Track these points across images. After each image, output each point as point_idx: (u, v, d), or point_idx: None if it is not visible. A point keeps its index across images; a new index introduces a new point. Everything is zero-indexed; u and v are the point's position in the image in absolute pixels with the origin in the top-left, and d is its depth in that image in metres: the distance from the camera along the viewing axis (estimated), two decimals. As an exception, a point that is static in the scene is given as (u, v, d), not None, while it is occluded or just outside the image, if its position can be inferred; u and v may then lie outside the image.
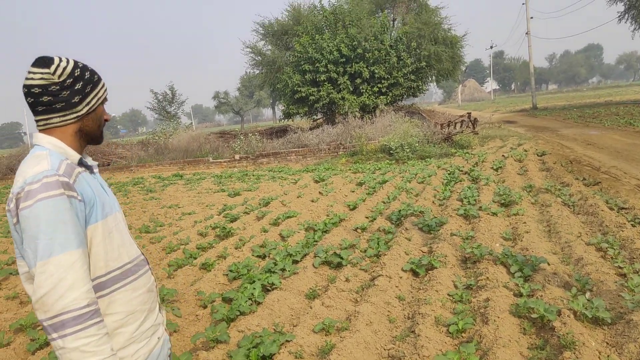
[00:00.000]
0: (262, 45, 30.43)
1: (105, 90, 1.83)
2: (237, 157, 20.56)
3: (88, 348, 1.53)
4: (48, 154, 1.66)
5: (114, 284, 1.72)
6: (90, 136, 1.80)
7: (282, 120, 30.99)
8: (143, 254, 1.92)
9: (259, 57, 29.99)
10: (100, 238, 1.68)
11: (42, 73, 1.68)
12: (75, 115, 1.72)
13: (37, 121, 1.74)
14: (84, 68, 1.76)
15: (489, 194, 9.32)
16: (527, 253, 5.78)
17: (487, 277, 5.17)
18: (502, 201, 8.59)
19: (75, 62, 1.74)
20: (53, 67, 1.68)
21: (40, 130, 1.75)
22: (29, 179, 1.57)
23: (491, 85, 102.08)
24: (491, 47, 78.59)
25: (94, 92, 1.76)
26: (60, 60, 1.71)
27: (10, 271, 6.87)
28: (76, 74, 1.71)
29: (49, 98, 1.68)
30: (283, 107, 29.29)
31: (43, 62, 1.69)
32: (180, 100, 43.39)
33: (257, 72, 31.33)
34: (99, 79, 1.81)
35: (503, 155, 14.38)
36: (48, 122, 1.72)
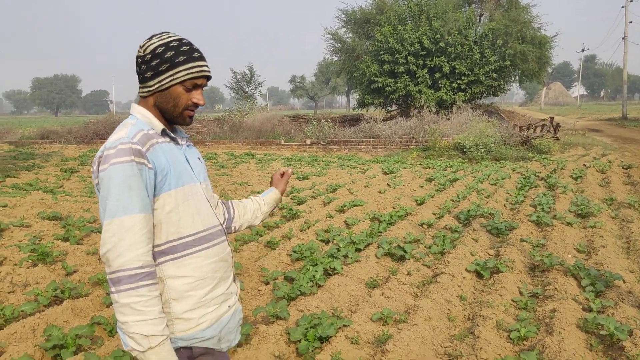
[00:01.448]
0: (343, 33, 30.45)
1: (189, 73, 1.80)
2: (308, 141, 20.75)
3: (137, 306, 1.64)
4: (133, 123, 1.81)
5: (186, 249, 1.81)
6: (165, 113, 1.87)
7: (356, 109, 30.96)
8: (222, 225, 2.00)
9: (339, 44, 30.02)
10: (173, 205, 1.78)
11: (140, 47, 1.84)
12: (147, 89, 1.83)
13: (139, 89, 1.90)
14: (172, 48, 1.80)
15: (566, 203, 8.96)
16: (602, 268, 5.53)
17: (556, 288, 5.01)
18: (579, 212, 8.23)
19: (169, 42, 1.81)
20: (145, 43, 1.83)
21: (139, 98, 1.90)
22: (108, 145, 1.72)
23: (578, 90, 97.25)
24: (582, 50, 74.68)
25: (170, 72, 1.79)
26: (160, 37, 1.83)
27: (92, 229, 7.31)
28: (157, 52, 1.79)
29: (137, 69, 1.85)
30: (358, 96, 29.23)
31: (148, 38, 1.85)
32: (257, 81, 44.19)
33: (336, 59, 31.40)
34: (185, 62, 1.80)
35: (584, 165, 13.75)
36: (139, 91, 1.89)
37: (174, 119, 1.88)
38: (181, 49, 1.81)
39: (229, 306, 1.95)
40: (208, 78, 1.88)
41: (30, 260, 5.74)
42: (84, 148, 23.10)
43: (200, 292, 1.83)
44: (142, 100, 1.87)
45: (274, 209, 2.45)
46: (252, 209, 2.32)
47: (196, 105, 1.87)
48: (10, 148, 23.30)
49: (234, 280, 2.07)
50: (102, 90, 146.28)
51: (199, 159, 2.03)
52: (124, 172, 1.66)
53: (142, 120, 1.84)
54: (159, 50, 1.79)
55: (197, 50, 1.86)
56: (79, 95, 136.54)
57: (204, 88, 1.91)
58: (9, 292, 5.01)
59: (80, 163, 16.75)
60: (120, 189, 1.65)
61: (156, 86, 1.82)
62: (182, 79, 1.80)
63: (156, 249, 1.78)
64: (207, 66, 1.87)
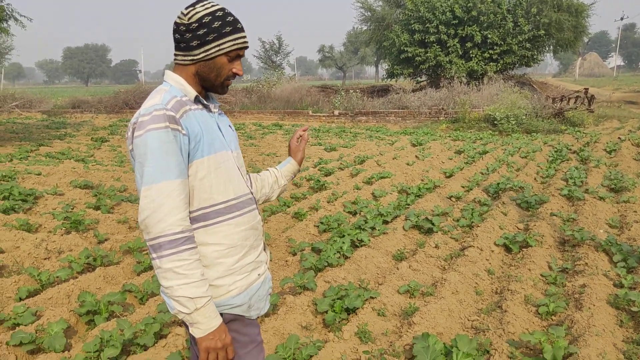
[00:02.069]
0: (373, 1, 29.85)
1: (235, 44, 1.82)
2: (336, 112, 20.63)
3: (180, 270, 1.66)
4: (167, 90, 1.80)
5: (218, 216, 1.82)
6: (205, 82, 1.86)
7: (385, 80, 30.54)
8: (252, 194, 2.00)
9: (369, 13, 29.46)
10: (205, 172, 1.78)
11: (182, 14, 1.81)
12: (191, 57, 1.81)
13: (174, 56, 1.89)
14: (218, 18, 1.79)
15: (598, 177, 8.76)
16: (634, 243, 5.42)
17: (586, 263, 4.93)
18: (613, 186, 8.04)
19: (214, 11, 1.79)
20: (189, 11, 1.80)
21: (175, 65, 1.89)
22: (142, 111, 1.72)
23: (615, 60, 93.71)
24: (622, 19, 72.12)
25: (217, 42, 1.78)
26: (204, 5, 1.80)
27: (122, 197, 7.44)
28: (204, 21, 1.77)
29: (178, 36, 1.83)
30: (387, 67, 28.77)
31: (190, 5, 1.83)
32: (286, 50, 43.92)
33: (365, 28, 30.87)
34: (231, 33, 1.81)
35: (619, 138, 13.37)
36: (176, 58, 1.87)
37: (214, 87, 1.88)
38: (227, 20, 1.80)
39: (258, 274, 1.96)
40: (247, 48, 1.90)
41: (63, 228, 5.89)
42: (114, 118, 23.41)
43: (230, 260, 1.84)
44: (180, 67, 1.86)
45: (291, 180, 2.42)
46: (270, 183, 2.28)
47: (235, 75, 1.88)
48: (43, 117, 23.77)
49: (264, 249, 2.08)
50: (132, 60, 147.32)
51: (230, 127, 2.02)
52: (160, 138, 1.66)
53: (175, 87, 1.83)
54: (206, 19, 1.78)
55: (240, 22, 1.86)
56: (109, 65, 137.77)
57: (242, 58, 1.92)
58: (44, 259, 5.17)
59: (111, 132, 17.00)
60: (157, 154, 1.66)
61: (202, 55, 1.80)
62: (228, 49, 1.81)
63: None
64: (247, 37, 1.88)
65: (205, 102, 1.88)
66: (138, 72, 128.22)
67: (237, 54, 1.85)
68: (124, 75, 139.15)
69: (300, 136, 2.40)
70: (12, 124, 20.02)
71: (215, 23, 1.78)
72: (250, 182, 2.22)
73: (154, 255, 1.68)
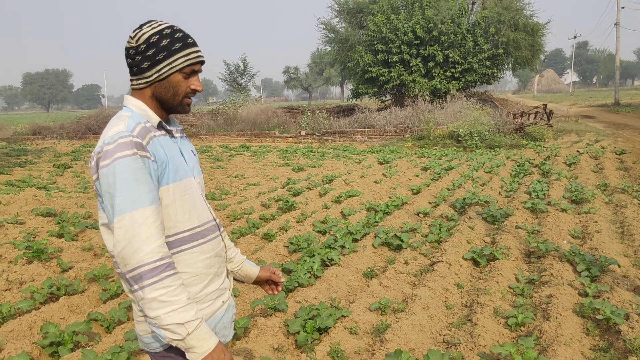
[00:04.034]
0: (336, 23, 30.26)
1: (187, 60, 1.77)
2: (303, 133, 20.71)
3: (165, 298, 1.60)
4: (129, 116, 1.75)
5: (182, 245, 1.77)
6: (164, 103, 1.82)
7: (350, 100, 30.86)
8: (216, 220, 1.96)
9: (332, 34, 29.83)
10: (170, 200, 1.74)
11: (130, 38, 1.78)
12: (145, 80, 1.77)
13: (130, 82, 1.84)
14: (166, 35, 1.75)
15: (560, 190, 8.99)
16: (597, 253, 5.56)
17: (552, 274, 5.03)
18: (574, 198, 8.26)
19: (161, 29, 1.76)
20: (136, 33, 1.77)
21: (132, 90, 1.85)
22: (107, 139, 1.66)
23: (571, 77, 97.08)
24: (575, 37, 74.89)
25: (168, 60, 1.74)
26: (150, 25, 1.77)
27: (86, 224, 7.28)
28: (152, 41, 1.74)
29: (129, 61, 1.79)
30: (352, 86, 29.14)
31: (137, 27, 1.79)
32: (251, 72, 43.96)
33: (329, 49, 31.21)
34: (181, 49, 1.76)
35: (578, 151, 13.78)
36: (132, 84, 1.82)
37: (174, 108, 1.83)
38: (175, 36, 1.76)
39: (222, 301, 1.93)
40: (203, 63, 1.85)
41: (25, 258, 5.72)
42: (77, 143, 22.97)
43: (195, 289, 1.80)
44: (137, 92, 1.81)
45: (239, 279, 2.24)
46: (228, 243, 2.17)
47: (194, 91, 1.83)
48: (2, 145, 23.15)
49: (227, 275, 2.05)
50: (94, 85, 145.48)
51: (192, 151, 1.98)
52: (129, 166, 1.61)
53: (137, 113, 1.78)
54: (154, 39, 1.74)
55: (190, 37, 1.81)
56: (71, 90, 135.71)
57: (199, 74, 1.87)
58: (5, 290, 4.99)
59: (74, 158, 16.66)
60: (128, 183, 1.60)
61: (155, 76, 1.76)
62: (180, 66, 1.76)
63: None
64: (201, 51, 1.83)
65: (168, 127, 1.84)
66: (101, 96, 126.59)
67: (191, 70, 1.80)
68: (86, 100, 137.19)
69: (274, 283, 2.30)
70: (-31, 152, 19.44)
71: (164, 41, 1.74)
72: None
73: (135, 286, 1.61)
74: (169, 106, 1.82)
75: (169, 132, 1.85)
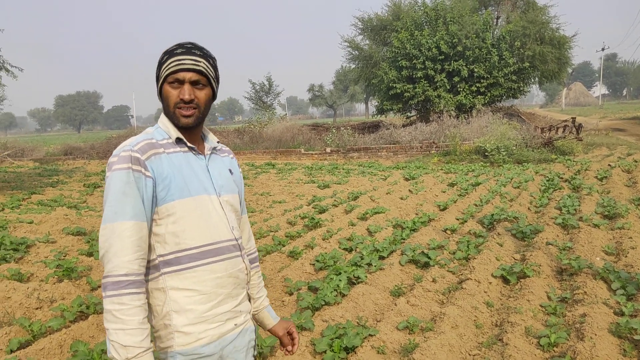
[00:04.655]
0: (359, 40, 30.43)
1: (168, 68, 1.75)
2: (328, 150, 20.75)
3: (118, 314, 1.61)
4: (149, 131, 1.83)
5: (190, 261, 1.75)
6: (167, 117, 1.84)
7: (375, 116, 30.90)
8: (237, 240, 1.90)
9: (356, 52, 30.00)
10: (178, 216, 1.74)
11: None
12: (158, 97, 1.84)
13: None
14: (166, 52, 1.79)
15: (591, 205, 8.79)
16: (632, 270, 5.39)
17: (585, 292, 4.89)
18: (606, 213, 8.06)
19: (169, 48, 1.80)
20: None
21: None
22: (114, 152, 1.74)
23: (600, 89, 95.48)
24: (602, 50, 73.81)
25: (158, 73, 1.79)
26: (171, 46, 1.82)
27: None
28: (159, 60, 1.81)
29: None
30: (377, 103, 29.16)
31: None
32: (276, 91, 44.41)
33: (353, 66, 31.37)
34: (166, 60, 1.77)
35: (609, 165, 13.48)
36: None
37: (172, 119, 1.82)
38: (170, 50, 1.79)
39: (235, 324, 1.87)
40: (193, 71, 1.77)
41: (56, 276, 5.80)
42: (106, 163, 23.40)
43: (202, 307, 1.76)
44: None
45: (256, 319, 2.16)
46: (257, 282, 2.15)
47: (183, 101, 1.77)
48: (35, 165, 23.74)
49: (249, 300, 2.00)
50: (123, 106, 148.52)
51: (229, 170, 1.98)
52: (120, 179, 1.67)
53: (161, 129, 1.84)
54: (160, 58, 1.81)
55: (184, 47, 1.78)
56: (101, 111, 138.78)
57: (198, 83, 1.79)
58: (36, 308, 5.07)
59: (103, 178, 16.96)
60: (116, 195, 1.66)
61: (157, 92, 1.83)
62: (164, 75, 1.77)
63: (160, 259, 1.75)
64: (190, 60, 1.76)
65: (189, 144, 1.84)
66: (130, 117, 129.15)
67: (175, 79, 1.77)
68: (116, 121, 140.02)
69: (287, 347, 2.20)
70: (3, 173, 19.96)
71: (161, 57, 1.80)
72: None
73: (103, 294, 1.65)
74: (170, 119, 1.83)
75: (192, 149, 1.85)
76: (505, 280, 5.58)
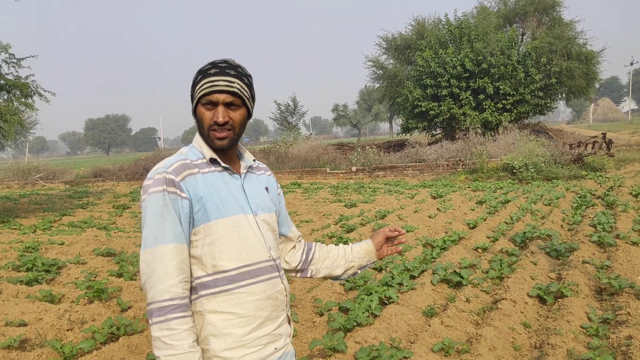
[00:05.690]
0: (384, 59, 30.54)
1: (201, 89, 1.72)
2: (353, 169, 20.70)
3: (167, 340, 1.58)
4: (183, 152, 1.80)
5: (228, 283, 1.71)
6: (202, 137, 1.81)
7: (400, 134, 30.79)
8: (275, 260, 1.85)
9: (380, 71, 30.10)
10: (214, 237, 1.70)
11: None
12: (193, 117, 1.81)
13: None
14: (200, 72, 1.76)
15: (628, 222, 8.53)
16: (676, 289, 5.17)
17: (629, 313, 4.70)
18: (644, 230, 7.81)
19: (202, 67, 1.77)
20: None
21: None
22: (149, 175, 1.71)
23: (629, 104, 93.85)
24: (631, 64, 72.70)
25: (192, 94, 1.77)
26: (205, 64, 1.79)
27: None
28: (193, 79, 1.78)
29: None
30: (402, 121, 29.10)
31: None
32: (301, 111, 44.64)
33: (378, 85, 31.45)
34: (200, 80, 1.74)
35: (643, 181, 13.13)
36: None
37: (206, 141, 1.79)
38: (204, 69, 1.76)
39: (275, 348, 1.80)
40: (227, 92, 1.72)
41: (86, 297, 5.82)
42: (135, 184, 23.74)
43: (241, 331, 1.71)
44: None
45: (365, 264, 2.15)
46: (335, 256, 2.11)
47: (217, 123, 1.73)
48: (66, 187, 24.20)
49: (289, 322, 1.93)
50: (151, 128, 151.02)
51: (266, 188, 1.93)
52: (157, 202, 1.65)
53: (195, 148, 1.82)
54: (194, 77, 1.79)
55: (218, 66, 1.74)
56: (129, 133, 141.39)
57: (232, 104, 1.75)
58: (67, 330, 5.07)
59: (132, 199, 17.18)
60: (154, 219, 1.64)
61: (192, 112, 1.80)
62: (197, 97, 1.74)
63: (197, 282, 1.71)
64: (224, 81, 1.71)
65: (223, 164, 1.80)
66: (157, 139, 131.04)
67: (208, 101, 1.73)
68: (143, 143, 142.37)
69: (396, 238, 2.20)
70: (35, 195, 20.37)
71: (195, 76, 1.78)
72: (307, 252, 2.11)
73: (149, 321, 1.63)
74: (205, 140, 1.80)
75: (227, 168, 1.82)
76: (542, 300, 5.41)
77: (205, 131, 1.77)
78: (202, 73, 1.75)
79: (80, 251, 8.39)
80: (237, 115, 1.77)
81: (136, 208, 15.00)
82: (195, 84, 1.76)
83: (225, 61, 1.77)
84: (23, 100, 13.59)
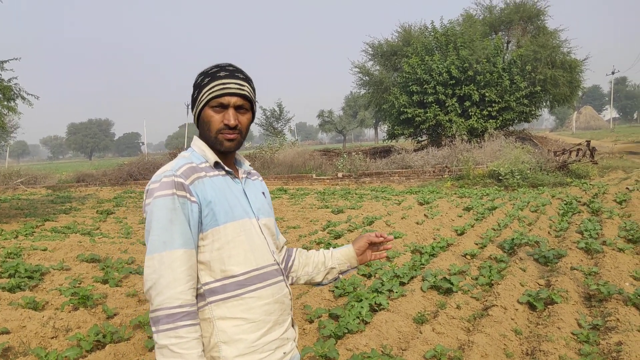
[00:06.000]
0: (370, 66, 30.65)
1: (211, 92, 1.70)
2: (340, 175, 20.68)
3: (175, 348, 1.54)
4: (186, 156, 1.76)
5: (238, 288, 1.68)
6: (206, 141, 1.78)
7: (385, 141, 30.89)
8: (279, 264, 1.84)
9: (367, 77, 30.19)
10: (223, 241, 1.67)
11: None
12: (194, 121, 1.81)
13: None
14: (206, 74, 1.74)
15: (614, 229, 8.60)
16: (664, 296, 5.20)
17: (618, 319, 4.71)
18: (630, 237, 7.87)
19: (207, 69, 1.76)
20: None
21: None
22: (154, 177, 1.66)
23: (610, 113, 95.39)
24: (612, 73, 73.84)
25: (198, 97, 1.74)
26: (207, 67, 1.78)
27: (130, 270, 7.27)
28: (196, 82, 1.76)
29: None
30: (388, 128, 29.19)
31: None
32: (287, 117, 44.61)
33: (364, 91, 31.53)
34: (208, 83, 1.72)
35: (627, 188, 13.28)
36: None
37: (213, 144, 1.76)
38: (211, 72, 1.74)
39: (284, 352, 1.79)
40: (238, 95, 1.73)
41: (71, 304, 5.70)
42: (119, 189, 23.48)
43: (252, 336, 1.68)
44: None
45: (345, 269, 2.10)
46: (315, 262, 2.07)
47: (228, 126, 1.72)
48: (48, 192, 23.84)
49: (292, 325, 1.91)
50: (134, 133, 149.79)
51: (263, 193, 1.93)
52: (166, 206, 1.60)
53: (197, 153, 1.78)
54: (198, 80, 1.76)
55: (227, 69, 1.74)
56: (112, 138, 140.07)
57: (242, 108, 1.75)
58: (52, 338, 4.95)
59: (116, 204, 16.97)
60: (162, 223, 1.59)
61: (194, 114, 1.78)
62: (205, 99, 1.72)
63: (206, 287, 1.67)
64: (235, 83, 1.72)
65: (227, 168, 1.79)
66: (141, 144, 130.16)
67: (219, 103, 1.72)
68: (127, 148, 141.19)
69: (382, 244, 2.12)
70: (17, 200, 20.03)
71: (199, 78, 1.76)
72: (288, 259, 2.07)
73: (153, 328, 1.58)
74: (210, 143, 1.78)
75: (230, 173, 1.79)
76: (532, 307, 5.40)
77: (212, 134, 1.75)
78: (210, 75, 1.73)
79: (63, 257, 8.23)
80: (244, 119, 1.78)
81: (121, 213, 14.81)
82: (201, 86, 1.74)
83: (230, 65, 1.78)
84: (5, 103, 13.36)
